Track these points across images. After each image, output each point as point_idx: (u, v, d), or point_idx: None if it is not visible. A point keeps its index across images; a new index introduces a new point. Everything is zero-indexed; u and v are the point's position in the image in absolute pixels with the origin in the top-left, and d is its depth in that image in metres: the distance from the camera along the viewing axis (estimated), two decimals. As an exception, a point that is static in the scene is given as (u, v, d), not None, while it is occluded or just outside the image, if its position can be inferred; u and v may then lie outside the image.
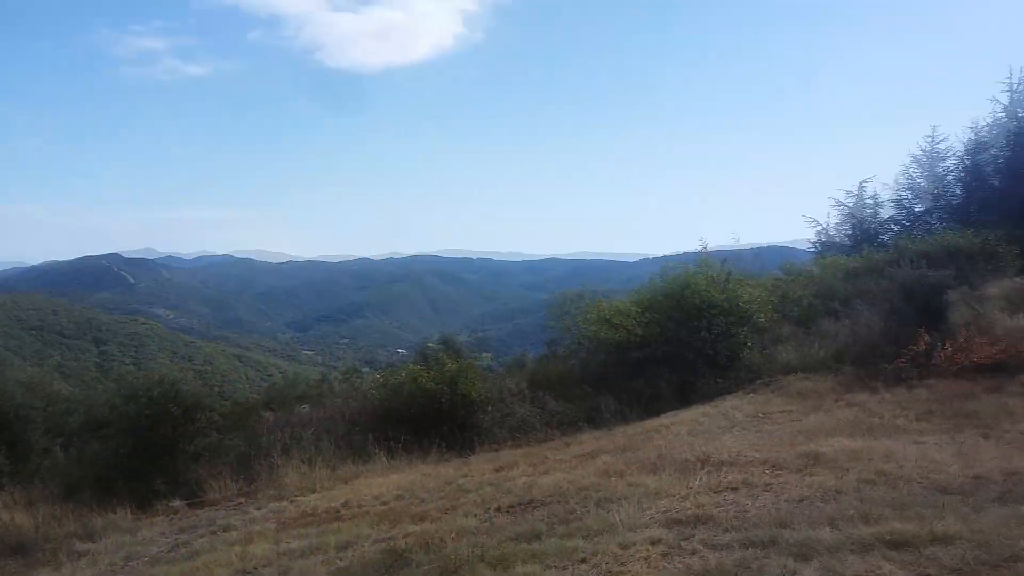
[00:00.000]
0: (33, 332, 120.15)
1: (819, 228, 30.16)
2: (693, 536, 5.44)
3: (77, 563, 7.59)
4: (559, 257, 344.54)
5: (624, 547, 5.35)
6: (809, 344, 14.02)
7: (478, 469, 9.65)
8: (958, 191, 27.70)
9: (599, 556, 5.23)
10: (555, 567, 5.20)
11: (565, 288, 23.24)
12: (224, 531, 8.08)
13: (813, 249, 29.60)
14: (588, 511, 6.47)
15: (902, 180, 28.77)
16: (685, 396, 13.47)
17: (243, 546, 7.12)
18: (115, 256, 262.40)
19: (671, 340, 14.96)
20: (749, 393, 12.31)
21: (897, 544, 4.77)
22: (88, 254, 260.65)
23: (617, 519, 5.99)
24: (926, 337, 11.50)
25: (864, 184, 29.54)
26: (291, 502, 9.05)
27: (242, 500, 9.76)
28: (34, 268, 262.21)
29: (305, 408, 14.67)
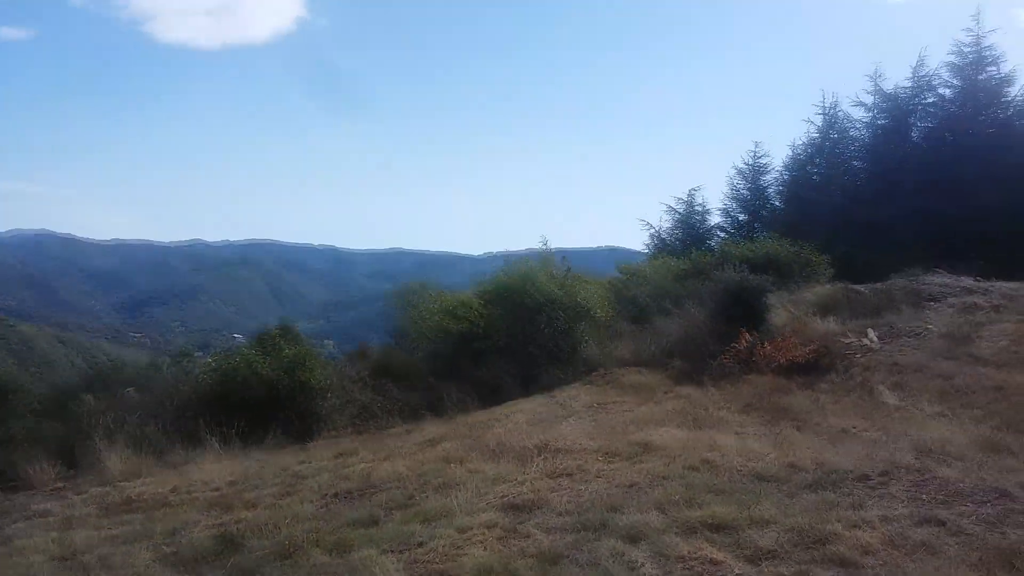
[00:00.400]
0: None
1: (652, 231, 31.65)
2: (529, 520, 5.59)
3: None
4: (405, 249, 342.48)
5: (461, 531, 5.44)
6: (644, 340, 14.65)
7: (317, 456, 9.50)
8: (777, 203, 29.87)
9: (437, 540, 5.28)
10: (392, 551, 5.21)
11: (410, 280, 23.22)
12: (41, 516, 7.58)
13: (647, 251, 31.01)
14: (427, 496, 6.52)
15: (728, 190, 30.72)
16: (527, 387, 13.77)
17: (62, 532, 6.71)
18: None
19: (513, 332, 15.26)
20: (587, 385, 12.74)
21: (719, 527, 5.09)
22: None
23: (455, 504, 6.07)
24: (747, 336, 12.31)
25: (694, 192, 31.31)
26: (114, 488, 8.58)
27: (61, 486, 9.17)
28: None
29: (131, 392, 13.91)
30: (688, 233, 30.60)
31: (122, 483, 8.80)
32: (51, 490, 9.00)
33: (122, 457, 9.78)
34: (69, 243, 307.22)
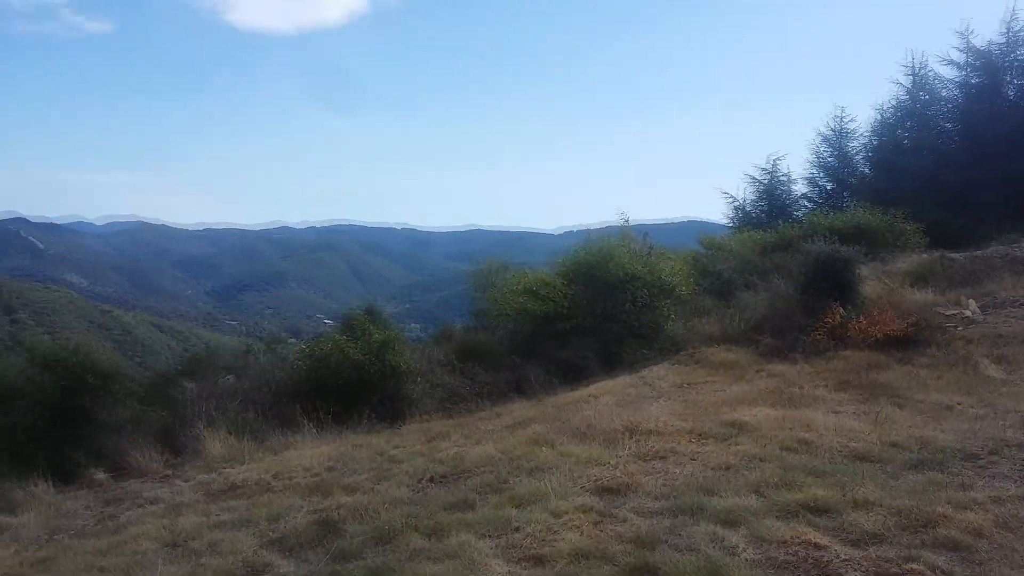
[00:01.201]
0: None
1: (735, 203, 30.95)
2: (623, 504, 5.60)
3: (-2, 537, 7.37)
4: (483, 228, 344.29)
5: (556, 515, 5.47)
6: (729, 316, 14.42)
7: (409, 440, 9.66)
8: (865, 169, 28.79)
9: (532, 525, 5.32)
10: (488, 536, 5.28)
11: (490, 259, 23.31)
12: (151, 503, 7.92)
13: (730, 223, 30.37)
14: (520, 480, 6.57)
15: (812, 158, 29.75)
16: (611, 366, 13.72)
17: (171, 518, 7.00)
18: (20, 220, 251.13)
19: (596, 311, 15.21)
20: (673, 364, 12.61)
21: (819, 510, 5.00)
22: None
23: (548, 488, 6.10)
24: (840, 310, 11.97)
25: (777, 161, 30.42)
26: (219, 474, 8.91)
27: (168, 472, 9.57)
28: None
29: (230, 378, 14.39)
30: (772, 204, 29.86)
31: (225, 469, 9.13)
32: (159, 477, 9.40)
33: (224, 443, 10.15)
34: (161, 231, 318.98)
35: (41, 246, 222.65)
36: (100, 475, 9.74)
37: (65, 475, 9.97)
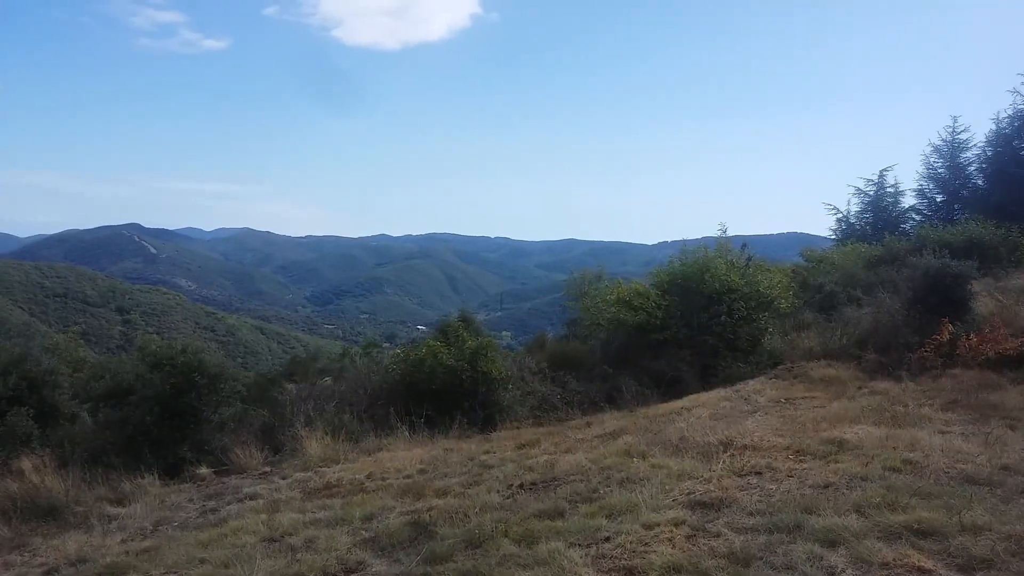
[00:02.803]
0: (57, 299, 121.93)
1: (839, 215, 30.01)
2: (717, 519, 5.47)
3: (108, 527, 7.72)
4: (578, 239, 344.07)
5: (648, 527, 5.39)
6: (831, 331, 13.97)
7: (500, 446, 9.71)
8: (980, 182, 27.50)
9: (623, 536, 5.26)
10: (579, 545, 5.24)
11: (584, 268, 23.25)
12: (251, 499, 8.19)
13: (833, 236, 29.50)
14: (611, 491, 6.51)
15: (923, 169, 28.57)
16: (706, 379, 13.50)
17: (270, 514, 7.21)
18: (136, 226, 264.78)
19: (691, 323, 14.97)
20: (771, 378, 12.30)
21: (925, 533, 4.78)
22: (108, 224, 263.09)
23: (640, 499, 6.02)
24: (950, 327, 11.45)
25: (885, 172, 29.36)
26: (315, 472, 9.15)
27: (267, 469, 9.88)
28: (55, 236, 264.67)
29: (327, 380, 14.78)
30: (879, 216, 28.84)
31: (321, 468, 9.36)
32: (259, 474, 9.71)
33: (321, 443, 10.41)
34: (265, 238, 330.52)
35: (154, 251, 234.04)
36: (203, 470, 10.13)
37: (171, 469, 10.40)
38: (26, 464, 9.54)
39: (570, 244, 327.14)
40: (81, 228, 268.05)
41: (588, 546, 5.21)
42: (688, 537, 5.18)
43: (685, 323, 15.02)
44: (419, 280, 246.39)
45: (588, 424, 11.04)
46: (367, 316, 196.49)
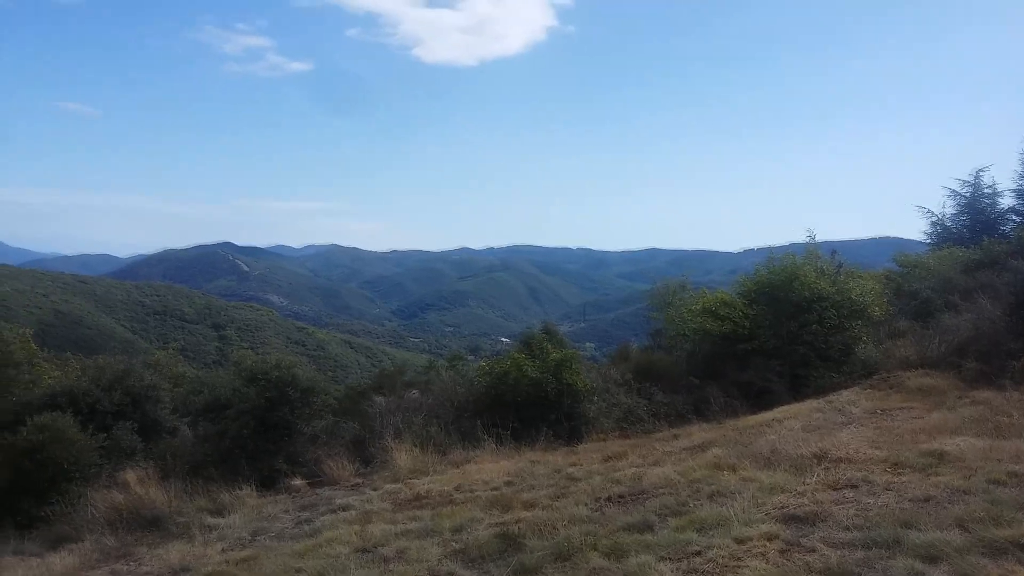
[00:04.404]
0: (156, 316, 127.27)
1: (933, 218, 28.88)
2: (811, 533, 5.34)
3: (208, 536, 8.01)
4: (659, 248, 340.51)
5: (740, 542, 5.30)
6: (928, 339, 13.46)
7: (587, 458, 9.69)
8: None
9: (714, 550, 5.19)
10: (669, 559, 5.19)
11: (667, 278, 22.99)
12: (343, 510, 8.38)
13: (927, 240, 28.41)
14: (700, 504, 6.42)
15: (1021, 169, 27.22)
16: (797, 390, 13.19)
17: (362, 525, 7.37)
18: (229, 245, 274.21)
19: (780, 333, 14.65)
20: (866, 388, 11.94)
21: (1033, 549, 4.58)
22: (203, 243, 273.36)
23: (731, 513, 5.92)
24: (1058, 333, 10.92)
25: (981, 173, 28.12)
26: (405, 484, 9.30)
27: (359, 481, 10.10)
28: (154, 256, 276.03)
29: (414, 393, 14.98)
30: (976, 219, 27.60)
31: (411, 480, 9.51)
32: (350, 485, 9.92)
33: (410, 455, 10.58)
34: (352, 253, 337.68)
35: (246, 268, 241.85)
36: (297, 482, 10.42)
37: (266, 481, 10.74)
38: (131, 476, 9.99)
39: (652, 253, 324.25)
40: (177, 248, 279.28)
41: (678, 560, 5.16)
42: (782, 552, 5.08)
43: (774, 332, 14.70)
44: (501, 292, 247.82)
45: (675, 436, 10.92)
46: (451, 329, 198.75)
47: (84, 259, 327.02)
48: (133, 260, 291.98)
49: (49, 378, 15.00)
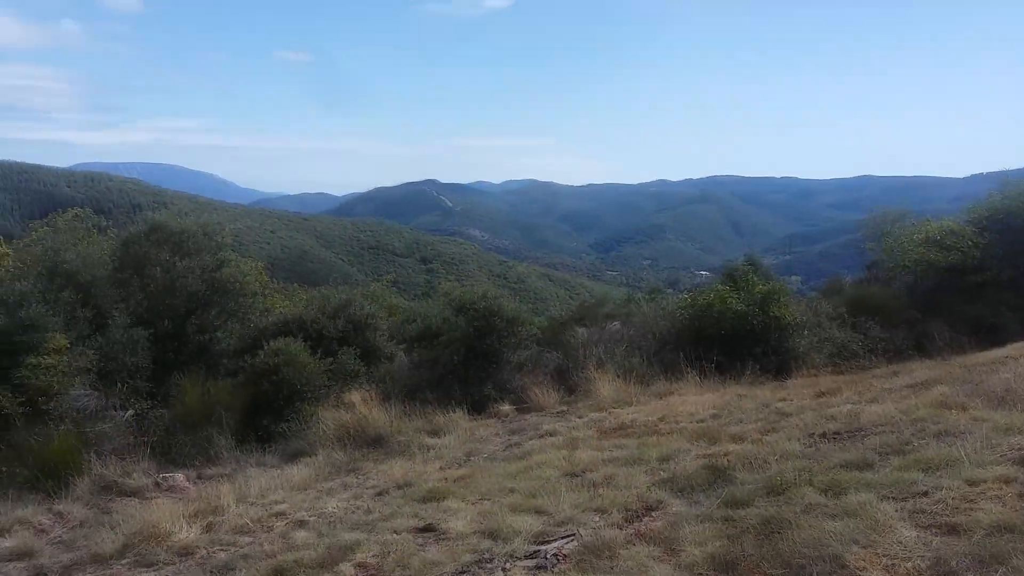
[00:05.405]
0: (370, 251, 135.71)
1: None
2: (1055, 478, 4.91)
3: (427, 455, 8.54)
4: (873, 175, 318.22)
5: (971, 483, 4.95)
6: None
7: (797, 393, 9.39)
8: None
9: (943, 491, 4.88)
10: (892, 498, 4.94)
11: (883, 207, 21.55)
12: (550, 436, 8.64)
13: None
14: (926, 443, 6.05)
15: None
16: (1033, 326, 12.08)
17: (569, 450, 7.57)
18: (433, 182, 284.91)
19: (1017, 264, 13.39)
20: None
21: None
22: (410, 180, 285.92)
23: (961, 454, 5.53)
24: None
25: None
26: (608, 413, 9.43)
27: (563, 408, 10.36)
28: (367, 195, 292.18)
29: (615, 325, 15.07)
30: None
31: (614, 409, 9.62)
32: (555, 412, 10.19)
33: (612, 385, 10.69)
34: (548, 188, 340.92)
35: (450, 204, 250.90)
36: (505, 407, 10.84)
37: (476, 405, 11.25)
38: (355, 397, 10.76)
39: (864, 181, 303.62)
40: (387, 186, 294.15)
41: (903, 500, 4.90)
42: (1020, 495, 4.70)
43: (1009, 263, 13.46)
44: (700, 225, 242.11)
45: (894, 373, 10.32)
46: (648, 262, 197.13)
47: (304, 198, 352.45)
48: (347, 198, 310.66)
49: (280, 307, 16.36)
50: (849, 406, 7.96)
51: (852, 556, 4.05)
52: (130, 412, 10.87)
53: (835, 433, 6.94)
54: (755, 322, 12.32)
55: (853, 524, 4.56)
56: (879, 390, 8.89)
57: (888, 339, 12.77)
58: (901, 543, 4.16)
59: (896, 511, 4.70)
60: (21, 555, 6.19)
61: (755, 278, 13.51)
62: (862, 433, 6.77)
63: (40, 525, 7.09)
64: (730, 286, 13.51)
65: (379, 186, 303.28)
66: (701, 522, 4.97)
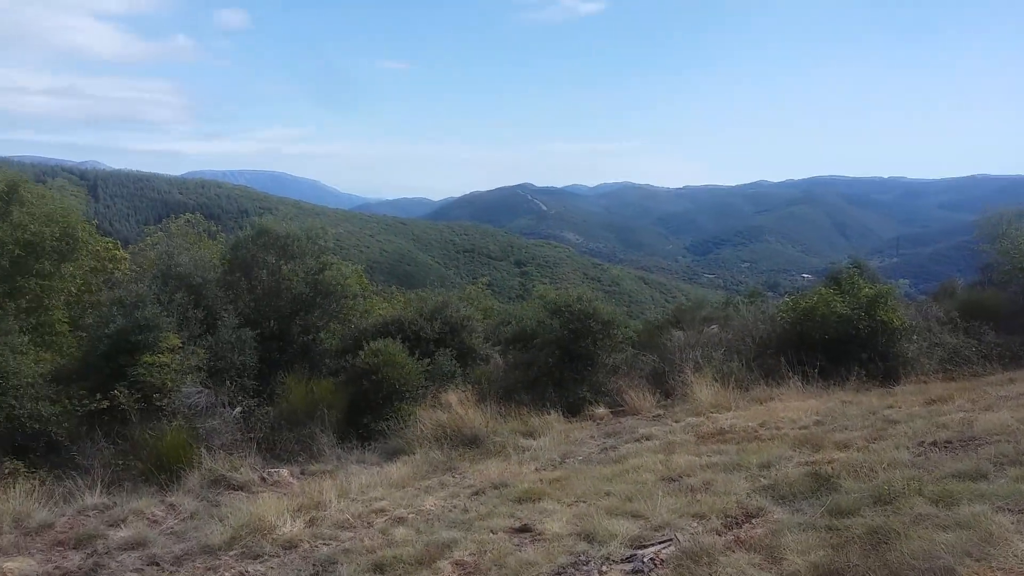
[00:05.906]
0: (465, 254, 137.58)
1: None
2: None
3: (522, 456, 8.59)
4: (987, 174, 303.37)
5: (1100, 499, 4.69)
6: None
7: (905, 400, 9.04)
8: None
9: (1065, 505, 4.64)
10: (1008, 510, 4.72)
11: (999, 207, 20.57)
12: (646, 439, 8.56)
13: None
14: (1046, 453, 5.75)
15: None
16: None
17: (666, 455, 7.48)
18: (527, 186, 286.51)
19: None
20: None
21: None
22: (504, 185, 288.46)
23: (1086, 466, 5.25)
24: None
25: None
26: (707, 418, 9.28)
27: (660, 412, 10.26)
28: (461, 198, 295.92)
29: (713, 328, 14.83)
30: None
31: (713, 414, 9.47)
32: (652, 416, 10.10)
33: (710, 389, 10.52)
34: (643, 190, 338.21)
35: (544, 208, 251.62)
36: (601, 410, 10.82)
37: (571, 408, 11.26)
38: (452, 398, 10.92)
39: (977, 181, 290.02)
40: (482, 190, 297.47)
41: (1020, 512, 4.68)
42: None
43: None
44: (801, 227, 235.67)
45: (1011, 380, 9.84)
46: (747, 265, 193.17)
47: (402, 202, 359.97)
48: (444, 202, 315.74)
49: (379, 309, 16.76)
50: (962, 414, 7.63)
51: (965, 569, 3.89)
52: (238, 409, 11.31)
53: (947, 442, 6.66)
54: (861, 326, 11.91)
55: (966, 536, 4.38)
56: (994, 398, 8.50)
57: (1004, 345, 12.16)
58: (1017, 556, 3.98)
59: (1012, 523, 4.49)
60: (135, 545, 6.51)
61: (861, 281, 13.08)
62: (976, 442, 6.48)
63: (153, 516, 7.44)
64: (834, 289, 13.11)
65: (474, 190, 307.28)
66: (804, 530, 4.85)
